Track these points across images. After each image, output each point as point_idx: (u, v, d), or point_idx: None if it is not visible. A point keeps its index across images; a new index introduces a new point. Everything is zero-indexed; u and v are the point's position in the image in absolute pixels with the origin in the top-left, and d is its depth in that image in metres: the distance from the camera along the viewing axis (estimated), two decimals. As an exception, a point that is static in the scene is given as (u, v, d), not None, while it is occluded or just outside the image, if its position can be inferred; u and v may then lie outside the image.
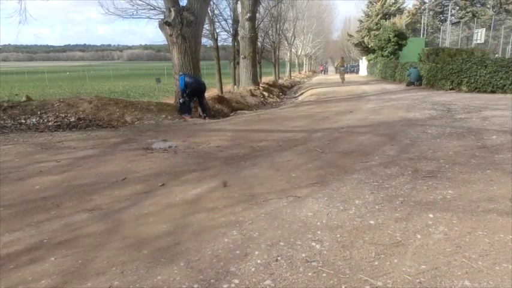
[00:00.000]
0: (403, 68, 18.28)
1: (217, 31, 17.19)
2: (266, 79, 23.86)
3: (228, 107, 11.08)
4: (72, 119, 7.30)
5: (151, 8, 13.01)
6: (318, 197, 2.94)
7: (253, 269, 1.94)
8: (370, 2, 35.38)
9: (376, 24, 32.20)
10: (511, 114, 6.72)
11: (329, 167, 3.77)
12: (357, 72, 40.20)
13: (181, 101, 8.51)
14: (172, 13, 8.44)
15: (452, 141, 4.77)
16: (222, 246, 2.19)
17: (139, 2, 12.69)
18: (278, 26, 24.60)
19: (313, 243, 2.20)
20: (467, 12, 35.14)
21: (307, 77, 40.18)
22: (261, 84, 17.74)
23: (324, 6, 46.95)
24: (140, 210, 2.78)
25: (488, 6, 35.63)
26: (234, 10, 17.54)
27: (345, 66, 26.33)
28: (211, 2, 14.33)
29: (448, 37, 28.62)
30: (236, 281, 1.84)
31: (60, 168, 4.01)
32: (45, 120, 7.15)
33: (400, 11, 33.38)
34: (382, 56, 26.05)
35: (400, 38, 25.44)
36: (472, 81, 11.35)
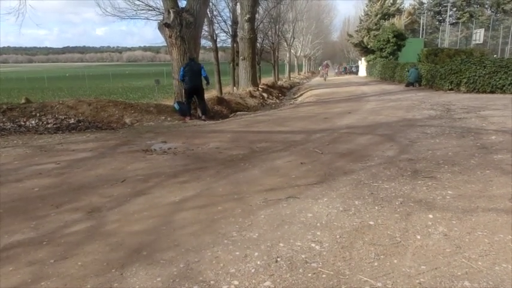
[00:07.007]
0: (402, 68, 18.31)
1: (217, 32, 17.24)
2: (265, 80, 23.88)
3: (227, 108, 11.09)
4: (72, 121, 7.30)
5: (150, 8, 13.03)
6: (318, 198, 2.94)
7: (252, 270, 1.94)
8: (370, 1, 35.37)
9: (376, 24, 32.25)
10: (510, 114, 6.73)
11: (328, 168, 3.77)
12: (356, 73, 40.22)
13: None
14: (172, 14, 8.44)
15: (452, 141, 4.77)
16: (221, 247, 2.19)
17: (138, 3, 12.71)
18: (277, 27, 24.65)
19: (313, 244, 2.20)
20: (465, 13, 35.17)
21: (306, 78, 40.21)
22: (260, 86, 17.76)
23: (322, 6, 47.04)
24: (139, 212, 2.77)
25: (486, 6, 35.68)
26: (233, 11, 17.56)
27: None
28: (211, 3, 14.34)
29: (447, 37, 28.62)
30: (236, 283, 1.84)
31: (59, 170, 4.01)
32: (45, 122, 7.15)
33: (399, 11, 33.37)
34: (381, 56, 26.11)
35: (399, 39, 25.50)
36: (471, 81, 11.36)
